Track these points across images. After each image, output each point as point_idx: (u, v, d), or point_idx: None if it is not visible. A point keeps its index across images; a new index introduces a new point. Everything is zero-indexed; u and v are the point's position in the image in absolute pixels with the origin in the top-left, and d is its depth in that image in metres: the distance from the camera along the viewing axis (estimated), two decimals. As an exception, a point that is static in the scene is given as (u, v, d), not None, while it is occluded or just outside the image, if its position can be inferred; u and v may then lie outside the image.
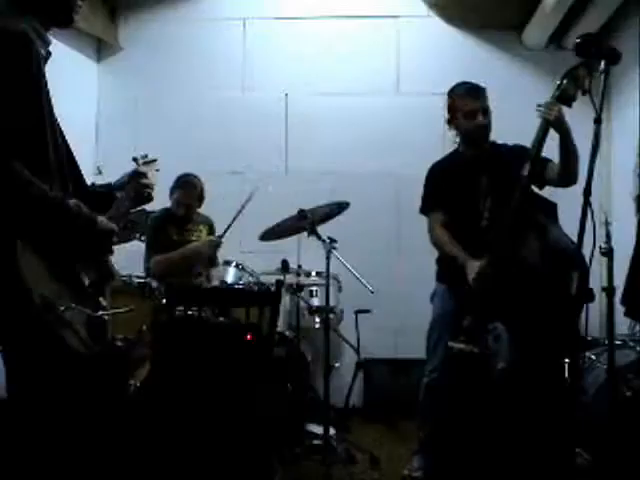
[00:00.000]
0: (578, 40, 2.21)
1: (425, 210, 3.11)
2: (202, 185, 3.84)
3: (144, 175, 2.09)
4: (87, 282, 1.84)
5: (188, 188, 3.79)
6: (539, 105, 2.53)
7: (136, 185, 2.07)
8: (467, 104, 2.91)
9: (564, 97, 2.43)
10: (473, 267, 2.70)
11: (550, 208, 2.61)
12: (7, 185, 1.60)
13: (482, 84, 2.97)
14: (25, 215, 1.64)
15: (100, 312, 1.85)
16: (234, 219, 3.78)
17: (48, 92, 1.77)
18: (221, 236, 3.83)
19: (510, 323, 2.43)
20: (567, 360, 2.33)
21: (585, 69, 2.33)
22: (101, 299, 1.89)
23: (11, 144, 1.58)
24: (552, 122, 2.49)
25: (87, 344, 1.74)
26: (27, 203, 1.63)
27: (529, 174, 2.54)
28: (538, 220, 2.46)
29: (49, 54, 1.81)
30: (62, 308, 1.67)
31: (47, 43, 1.80)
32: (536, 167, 2.55)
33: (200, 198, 3.85)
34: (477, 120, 2.89)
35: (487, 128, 2.95)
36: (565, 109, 2.51)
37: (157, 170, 2.23)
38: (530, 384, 2.36)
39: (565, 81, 2.44)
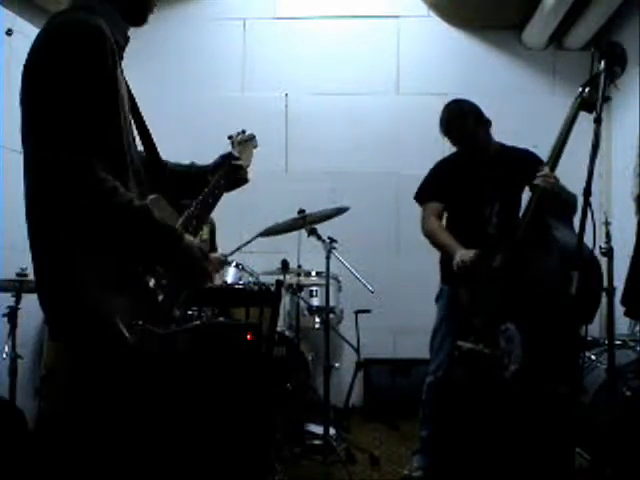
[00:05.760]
0: (605, 47, 2.21)
1: (420, 197, 3.08)
2: None
3: (237, 158, 1.94)
4: (152, 284, 1.49)
5: None
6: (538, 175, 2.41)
7: (228, 169, 1.89)
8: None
9: (586, 104, 2.40)
10: (462, 254, 2.71)
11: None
12: (90, 194, 1.38)
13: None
14: (103, 226, 1.41)
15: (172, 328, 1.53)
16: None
17: (127, 85, 1.67)
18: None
19: (522, 324, 2.42)
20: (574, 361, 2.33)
21: (608, 76, 2.30)
22: (175, 309, 1.55)
23: (91, 145, 1.39)
24: (548, 191, 2.38)
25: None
26: (110, 214, 1.40)
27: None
28: (546, 222, 2.44)
29: (127, 42, 1.73)
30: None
31: (126, 35, 1.72)
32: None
33: None
34: None
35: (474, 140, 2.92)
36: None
37: (255, 147, 2.08)
38: (541, 386, 2.35)
39: (587, 88, 2.41)
